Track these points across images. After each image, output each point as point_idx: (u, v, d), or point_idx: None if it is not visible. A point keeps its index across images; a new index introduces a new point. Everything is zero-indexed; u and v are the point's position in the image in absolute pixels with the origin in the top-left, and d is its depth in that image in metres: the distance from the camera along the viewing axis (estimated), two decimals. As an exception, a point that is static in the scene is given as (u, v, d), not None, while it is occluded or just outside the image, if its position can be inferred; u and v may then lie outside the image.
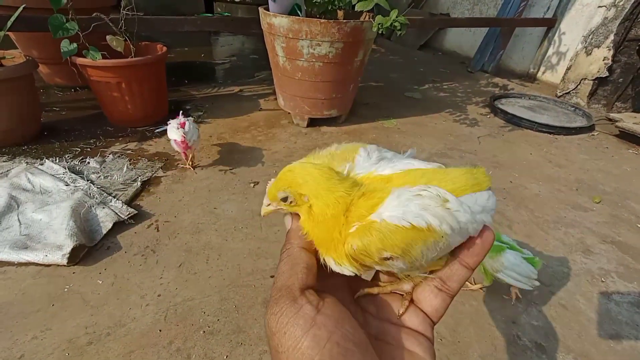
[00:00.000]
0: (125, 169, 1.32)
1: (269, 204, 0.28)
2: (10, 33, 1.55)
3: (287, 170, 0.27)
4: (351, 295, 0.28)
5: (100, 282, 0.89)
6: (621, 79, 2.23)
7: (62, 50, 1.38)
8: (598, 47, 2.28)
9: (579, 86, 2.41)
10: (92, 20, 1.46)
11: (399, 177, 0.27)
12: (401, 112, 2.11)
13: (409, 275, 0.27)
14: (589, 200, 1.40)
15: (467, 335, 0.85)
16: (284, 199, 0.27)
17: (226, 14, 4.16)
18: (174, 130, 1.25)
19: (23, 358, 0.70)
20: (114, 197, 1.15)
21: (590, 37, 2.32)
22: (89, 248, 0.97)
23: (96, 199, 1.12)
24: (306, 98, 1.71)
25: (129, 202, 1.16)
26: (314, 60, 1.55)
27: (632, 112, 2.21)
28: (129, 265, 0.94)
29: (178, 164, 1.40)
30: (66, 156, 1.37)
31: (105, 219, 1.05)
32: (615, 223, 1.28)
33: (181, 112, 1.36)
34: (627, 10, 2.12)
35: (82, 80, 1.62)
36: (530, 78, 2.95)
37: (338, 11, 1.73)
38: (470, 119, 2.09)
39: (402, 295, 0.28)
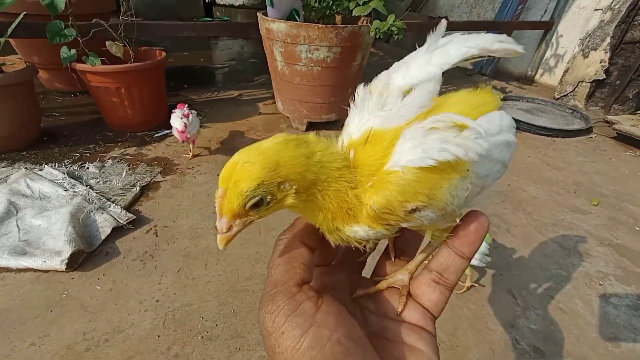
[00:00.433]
0: (124, 174, 1.32)
1: (229, 227, 0.21)
2: (10, 39, 1.56)
3: (238, 165, 0.20)
4: (349, 293, 0.27)
5: (99, 287, 0.89)
6: (618, 81, 2.24)
7: (61, 57, 1.39)
8: (595, 49, 2.29)
9: (576, 88, 2.43)
10: (92, 26, 1.47)
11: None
12: (399, 115, 2.11)
13: (442, 232, 0.25)
14: (586, 202, 1.41)
15: (465, 339, 0.85)
16: (256, 205, 0.20)
17: (225, 18, 4.19)
18: (177, 119, 1.34)
19: (21, 365, 0.70)
20: (113, 202, 1.16)
21: (587, 39, 2.34)
22: (88, 253, 0.97)
23: (95, 204, 1.13)
24: (305, 102, 1.72)
25: (128, 207, 1.16)
26: (312, 64, 1.56)
27: (629, 114, 2.21)
28: (128, 270, 0.94)
29: (177, 168, 1.41)
30: (65, 161, 1.37)
31: (104, 224, 1.05)
32: (613, 226, 1.28)
33: (185, 104, 1.43)
34: (623, 13, 2.13)
35: (82, 85, 1.63)
36: (528, 80, 2.96)
37: (336, 16, 1.75)
38: (469, 121, 2.10)
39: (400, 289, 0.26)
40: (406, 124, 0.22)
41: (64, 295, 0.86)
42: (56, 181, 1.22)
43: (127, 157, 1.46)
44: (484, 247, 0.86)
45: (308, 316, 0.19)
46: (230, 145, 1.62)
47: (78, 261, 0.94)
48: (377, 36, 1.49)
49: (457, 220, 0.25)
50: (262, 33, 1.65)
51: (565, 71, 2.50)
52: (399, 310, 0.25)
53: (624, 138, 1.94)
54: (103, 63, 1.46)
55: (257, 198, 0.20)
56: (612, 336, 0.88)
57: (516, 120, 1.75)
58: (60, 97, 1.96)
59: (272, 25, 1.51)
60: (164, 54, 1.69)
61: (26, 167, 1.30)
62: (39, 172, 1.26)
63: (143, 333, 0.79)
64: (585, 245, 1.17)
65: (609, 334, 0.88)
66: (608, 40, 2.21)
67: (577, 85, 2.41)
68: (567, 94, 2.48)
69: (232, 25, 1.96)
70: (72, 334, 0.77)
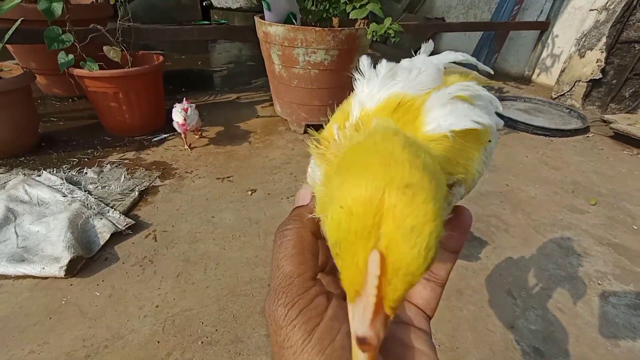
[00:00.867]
0: (122, 178, 1.32)
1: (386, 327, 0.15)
2: (7, 45, 1.56)
3: (393, 197, 0.13)
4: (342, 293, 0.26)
5: (98, 293, 0.89)
6: (615, 81, 2.26)
7: (59, 62, 1.39)
8: (591, 49, 2.30)
9: (573, 88, 2.44)
10: (89, 32, 1.48)
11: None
12: (397, 116, 2.12)
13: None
14: (585, 202, 1.41)
15: (465, 341, 0.85)
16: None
17: (223, 21, 4.20)
18: (177, 113, 1.46)
19: (20, 373, 0.70)
20: (112, 207, 1.16)
21: (583, 39, 2.35)
22: (87, 259, 0.97)
23: (94, 209, 1.12)
24: (302, 105, 1.73)
25: (127, 212, 1.16)
26: (309, 67, 1.56)
27: (626, 113, 2.22)
28: (127, 276, 0.94)
29: (175, 172, 1.41)
30: (64, 167, 1.37)
31: (102, 229, 1.05)
32: (611, 225, 1.28)
33: (185, 98, 1.54)
34: (617, 13, 2.15)
35: (80, 90, 1.63)
36: (526, 80, 2.97)
37: (333, 19, 1.75)
38: (466, 122, 2.10)
39: None
40: (427, 94, 0.20)
41: (63, 302, 0.85)
42: (54, 187, 1.22)
43: (126, 161, 1.46)
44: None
45: (320, 310, 0.19)
46: (228, 149, 1.62)
47: (77, 267, 0.93)
48: (374, 39, 1.50)
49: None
50: (260, 36, 1.65)
51: (562, 71, 2.52)
52: None
53: (621, 137, 1.95)
54: (101, 68, 1.46)
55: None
56: (612, 336, 0.88)
57: (514, 120, 1.75)
58: (58, 102, 1.96)
59: (270, 29, 1.52)
60: (161, 58, 1.70)
61: (24, 173, 1.30)
62: (37, 178, 1.26)
63: (143, 339, 0.79)
64: (584, 244, 1.18)
65: (608, 334, 0.88)
66: (604, 40, 2.22)
67: (574, 84, 2.42)
68: (564, 94, 2.49)
69: (229, 29, 1.97)
70: (72, 340, 0.77)
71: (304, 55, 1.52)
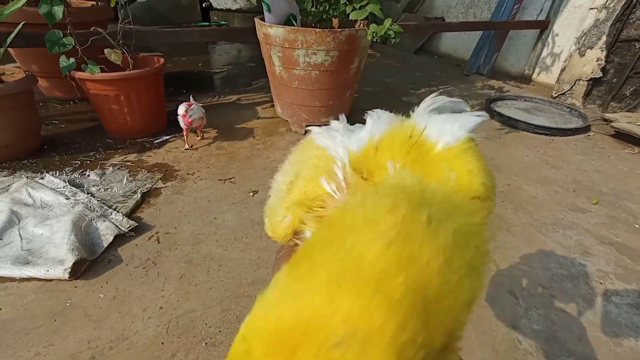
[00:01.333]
0: (125, 180, 1.33)
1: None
2: (9, 48, 1.56)
3: None
4: None
5: (102, 295, 0.89)
6: (615, 79, 2.25)
7: (61, 66, 1.39)
8: (591, 48, 2.30)
9: (573, 87, 2.44)
10: (90, 35, 1.48)
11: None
12: (398, 116, 2.12)
13: None
14: (586, 201, 1.41)
15: (468, 341, 0.85)
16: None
17: (222, 22, 4.20)
18: (181, 106, 1.50)
19: (26, 375, 0.71)
20: (115, 209, 1.16)
21: (583, 38, 2.35)
22: (90, 262, 0.97)
23: (97, 212, 1.13)
24: (303, 106, 1.73)
25: (130, 215, 1.16)
26: (310, 68, 1.57)
27: (627, 111, 2.22)
28: (130, 278, 0.95)
29: (177, 174, 1.41)
30: (66, 169, 1.38)
31: (106, 232, 1.06)
32: (612, 224, 1.28)
33: (191, 96, 1.62)
34: (617, 12, 2.14)
35: (81, 93, 1.64)
36: (526, 79, 2.97)
37: (333, 20, 1.76)
38: (467, 122, 2.10)
39: None
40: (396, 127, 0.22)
41: (68, 304, 0.86)
42: (57, 189, 1.22)
43: (128, 163, 1.46)
44: None
45: None
46: (230, 150, 1.62)
47: (81, 269, 0.94)
48: (374, 40, 1.50)
49: None
50: (260, 38, 1.66)
51: (562, 70, 2.51)
52: None
53: (621, 135, 1.95)
54: (102, 71, 1.47)
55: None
56: (614, 335, 0.88)
57: (514, 120, 1.75)
58: (60, 105, 1.96)
59: (270, 30, 1.52)
60: (162, 60, 1.70)
61: (27, 176, 1.31)
62: (40, 181, 1.27)
63: (147, 340, 0.79)
64: (586, 244, 1.18)
65: (611, 333, 0.88)
66: (604, 38, 2.22)
67: (574, 83, 2.42)
68: (564, 93, 2.49)
69: (230, 31, 1.98)
70: (77, 342, 0.77)
71: (304, 56, 1.53)
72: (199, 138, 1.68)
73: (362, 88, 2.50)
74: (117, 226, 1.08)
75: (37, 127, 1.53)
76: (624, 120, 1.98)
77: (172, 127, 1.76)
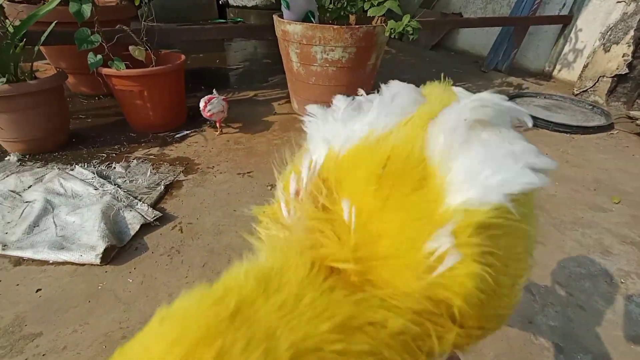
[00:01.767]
0: (148, 173, 1.38)
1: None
2: (40, 47, 1.64)
3: None
4: None
5: (131, 280, 0.94)
6: (641, 76, 2.18)
7: (89, 62, 1.46)
8: (617, 43, 2.23)
9: (597, 84, 2.36)
10: (116, 32, 1.54)
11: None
12: (414, 113, 2.11)
13: None
14: (607, 200, 1.38)
15: (483, 334, 0.86)
16: None
17: (239, 19, 4.25)
18: (202, 100, 1.58)
19: (66, 349, 0.76)
20: (140, 200, 1.21)
21: (608, 33, 2.27)
22: (119, 249, 1.03)
23: (123, 202, 1.19)
24: (320, 102, 1.74)
25: (154, 205, 1.22)
26: (327, 65, 1.58)
27: (653, 109, 2.15)
28: (156, 265, 1.00)
29: (198, 168, 1.46)
30: (94, 162, 1.44)
31: (132, 221, 1.11)
32: (635, 224, 1.25)
33: (214, 89, 1.71)
34: (646, 5, 2.07)
35: (107, 89, 1.70)
36: (546, 76, 2.90)
37: (350, 16, 1.76)
38: (484, 119, 2.08)
39: None
40: (419, 128, 0.15)
41: (99, 287, 0.91)
42: (86, 180, 1.29)
43: (151, 157, 1.52)
44: None
45: None
46: (247, 145, 1.66)
47: (110, 256, 0.99)
48: (392, 36, 1.50)
49: None
50: (278, 35, 1.68)
51: (585, 66, 2.44)
52: None
53: (647, 134, 1.89)
54: (127, 67, 1.53)
55: None
56: (635, 335, 0.87)
57: (533, 117, 1.72)
58: (85, 101, 2.05)
59: (289, 27, 1.55)
60: (183, 57, 1.75)
61: (58, 167, 1.38)
62: (71, 172, 1.33)
63: (173, 323, 0.84)
64: (606, 243, 1.16)
65: (631, 332, 0.88)
66: (631, 33, 2.15)
67: (598, 80, 2.35)
68: (586, 90, 2.42)
69: (248, 28, 2.01)
70: (109, 322, 0.83)
71: (322, 53, 1.55)
72: (217, 133, 1.73)
73: (378, 84, 2.49)
74: (142, 216, 1.14)
75: (67, 121, 1.61)
76: (650, 118, 1.91)
77: (192, 122, 1.81)
